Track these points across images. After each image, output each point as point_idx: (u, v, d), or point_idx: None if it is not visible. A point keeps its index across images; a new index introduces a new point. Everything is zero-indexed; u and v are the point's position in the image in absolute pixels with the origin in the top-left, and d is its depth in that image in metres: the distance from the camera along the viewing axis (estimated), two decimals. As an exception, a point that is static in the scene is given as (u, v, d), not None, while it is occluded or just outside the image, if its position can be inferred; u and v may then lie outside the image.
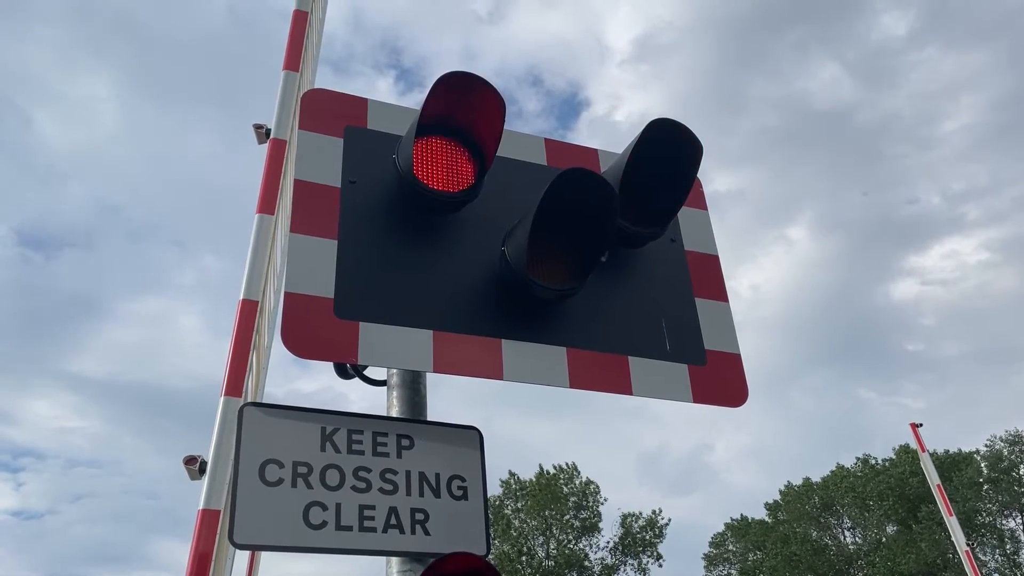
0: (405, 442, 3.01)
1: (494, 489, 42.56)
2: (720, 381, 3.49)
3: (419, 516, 2.90)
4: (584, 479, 42.13)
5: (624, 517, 42.47)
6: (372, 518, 2.81)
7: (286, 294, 2.80)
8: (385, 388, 3.24)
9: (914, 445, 38.42)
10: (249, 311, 4.29)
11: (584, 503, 41.67)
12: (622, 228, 3.35)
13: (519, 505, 41.93)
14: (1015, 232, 63.02)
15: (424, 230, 3.16)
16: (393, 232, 3.10)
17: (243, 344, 4.18)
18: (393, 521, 2.84)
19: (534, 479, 42.00)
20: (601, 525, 41.55)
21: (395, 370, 3.19)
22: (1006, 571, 35.10)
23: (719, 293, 3.74)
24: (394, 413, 3.14)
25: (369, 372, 3.37)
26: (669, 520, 42.73)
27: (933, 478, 14.96)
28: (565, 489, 41.89)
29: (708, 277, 3.75)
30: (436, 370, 2.96)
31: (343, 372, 3.29)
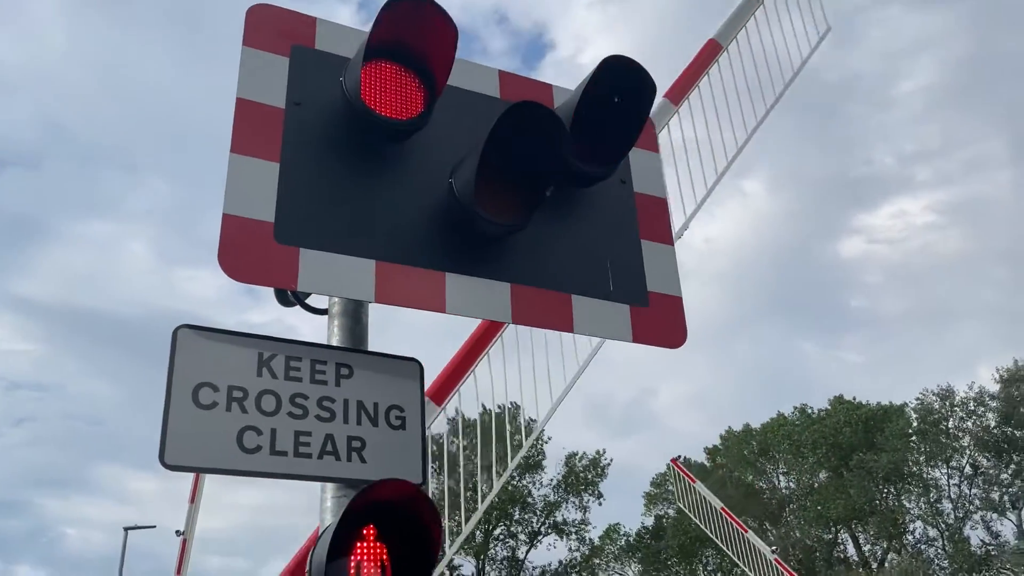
0: (344, 371, 3.00)
1: (440, 426, 43.01)
2: (660, 322, 3.53)
3: (356, 444, 2.91)
4: (528, 418, 42.81)
5: (568, 456, 43.41)
6: (308, 444, 2.81)
7: (224, 216, 2.74)
8: (326, 317, 3.21)
9: (848, 396, 39.49)
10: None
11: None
12: (572, 166, 3.33)
13: (464, 443, 42.49)
14: (961, 195, 64.53)
15: (370, 158, 3.10)
16: (338, 158, 3.04)
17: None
18: (329, 448, 2.85)
19: (478, 418, 42.54)
20: (545, 463, 42.43)
21: (336, 299, 3.16)
22: (928, 517, 36.81)
23: (665, 236, 3.76)
24: (335, 342, 3.12)
25: (311, 300, 3.34)
26: (611, 460, 43.84)
27: (715, 503, 15.66)
28: (509, 428, 42.52)
29: (655, 220, 3.76)
30: (378, 300, 2.94)
31: (284, 299, 3.25)
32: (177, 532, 10.86)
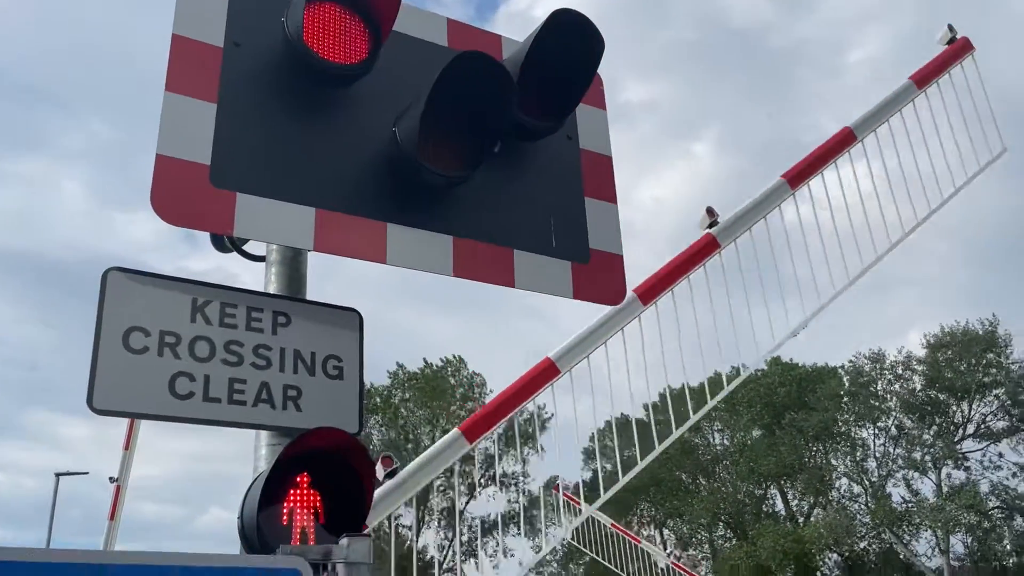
0: (281, 319, 2.96)
1: (382, 379, 43.07)
2: (601, 280, 3.56)
3: (291, 393, 2.89)
4: (470, 372, 43.10)
5: (510, 410, 43.87)
6: (242, 392, 2.78)
7: (158, 156, 2.66)
8: (264, 264, 3.16)
9: (785, 358, 40.49)
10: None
11: (470, 395, 42.74)
12: (518, 119, 3.31)
13: (407, 395, 42.66)
14: (904, 166, 65.96)
15: (312, 102, 3.03)
16: (278, 101, 2.96)
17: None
18: (264, 396, 2.83)
19: (421, 371, 42.68)
20: (487, 417, 42.87)
21: (275, 246, 3.11)
22: (853, 475, 38.33)
23: (609, 194, 3.78)
24: (272, 290, 3.08)
25: (248, 247, 3.28)
26: (552, 415, 44.48)
27: (605, 520, 15.70)
28: (452, 381, 42.78)
29: (600, 177, 3.77)
30: (317, 248, 2.90)
31: (220, 245, 3.19)
32: (111, 479, 10.72)
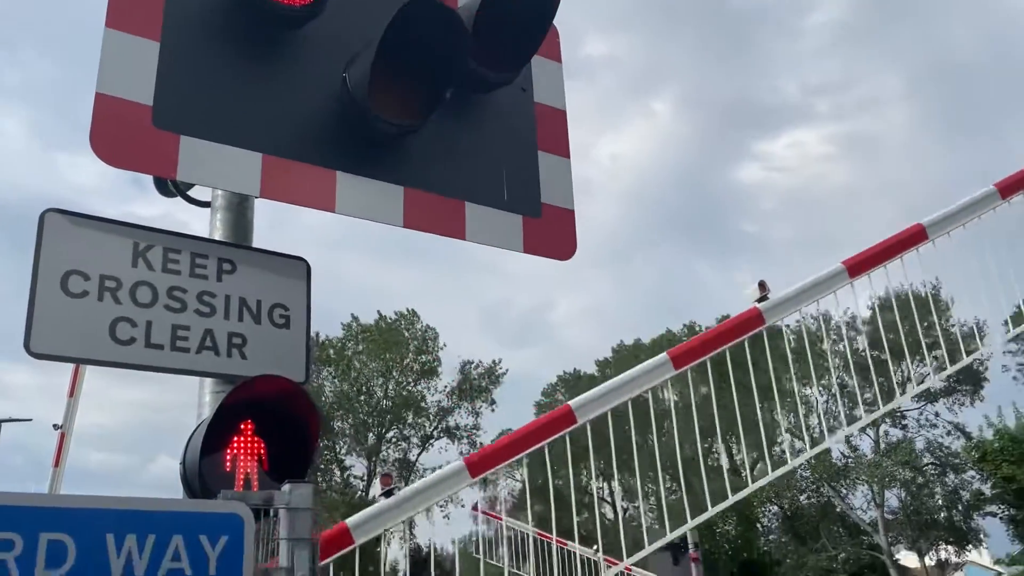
0: (227, 266, 2.92)
1: (336, 331, 42.87)
2: (552, 234, 3.58)
3: (236, 340, 2.87)
4: (424, 325, 43.11)
5: (464, 364, 44.12)
6: (186, 338, 2.75)
7: (97, 95, 2.57)
8: (209, 210, 3.11)
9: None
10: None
11: (424, 348, 42.81)
12: (472, 69, 3.27)
13: (360, 348, 42.55)
14: (854, 130, 66.92)
15: (260, 44, 2.95)
16: (225, 42, 2.88)
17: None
18: (208, 343, 2.80)
19: (375, 323, 42.55)
20: (440, 370, 43.04)
21: (220, 192, 3.05)
22: (796, 431, 39.49)
23: (562, 148, 3.77)
24: (217, 236, 3.03)
25: (193, 192, 3.21)
26: (507, 370, 44.83)
27: (529, 530, 14.40)
28: (406, 334, 42.75)
29: (554, 131, 3.76)
30: (263, 195, 2.85)
31: (164, 189, 3.12)
32: (55, 426, 10.54)
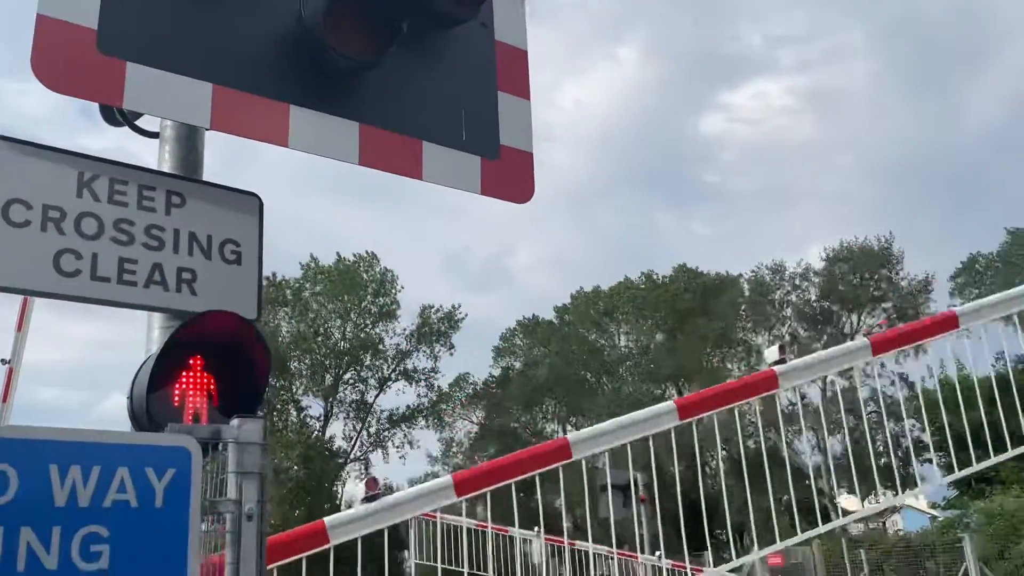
0: (176, 199, 2.86)
1: (293, 271, 42.46)
2: (510, 177, 3.55)
3: (186, 275, 2.82)
4: (383, 268, 42.92)
5: (423, 308, 44.15)
6: (133, 272, 2.70)
7: (38, 16, 2.46)
8: (157, 141, 3.02)
9: (691, 265, 41.63)
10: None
11: (383, 291, 42.68)
12: (431, 3, 3.20)
13: (317, 288, 42.26)
14: (818, 82, 67.17)
15: (210, -31, 2.84)
16: (174, -35, 2.76)
17: None
18: (157, 277, 2.75)
19: (334, 264, 42.22)
20: (399, 313, 43.03)
21: (169, 122, 2.97)
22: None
23: (523, 89, 3.73)
24: (166, 168, 2.96)
25: (141, 122, 3.12)
26: (466, 315, 44.96)
27: (468, 523, 13.80)
28: (365, 276, 42.52)
29: (514, 72, 3.70)
30: (214, 127, 2.79)
31: (110, 117, 3.02)
32: (2, 360, 10.35)
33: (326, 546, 4.75)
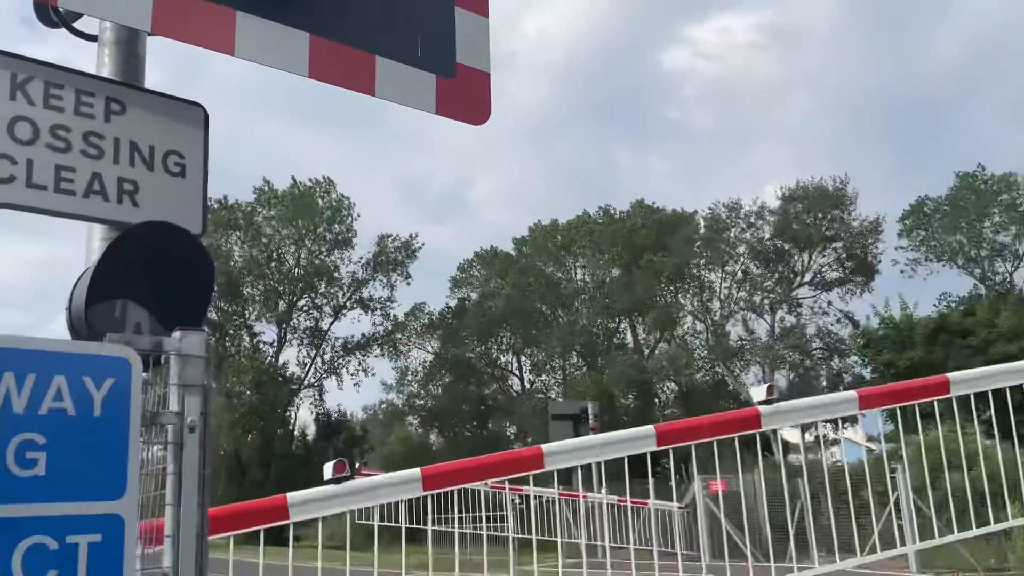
0: (115, 107, 2.75)
1: (246, 195, 41.65)
2: (466, 96, 3.49)
3: (127, 187, 2.74)
4: (340, 195, 42.30)
5: (380, 237, 43.79)
6: (71, 180, 2.61)
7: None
8: (96, 44, 2.89)
9: (649, 201, 41.79)
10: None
11: (339, 218, 42.15)
12: (387, -90, 3.07)
13: (272, 213, 41.57)
14: (781, 18, 66.75)
15: None
16: None
17: None
18: (96, 187, 2.66)
19: (288, 189, 41.47)
20: (355, 241, 42.64)
21: (108, 24, 2.83)
22: (698, 314, 41.20)
23: (481, 6, 3.63)
24: (105, 73, 2.83)
25: (80, 25, 2.97)
26: (423, 244, 44.74)
27: (416, 472, 13.51)
28: (320, 202, 41.89)
29: (473, -13, 3.60)
30: (155, 31, 2.67)
31: (45, 17, 2.87)
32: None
33: (285, 522, 4.76)
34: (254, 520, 4.76)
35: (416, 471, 5.02)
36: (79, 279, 2.42)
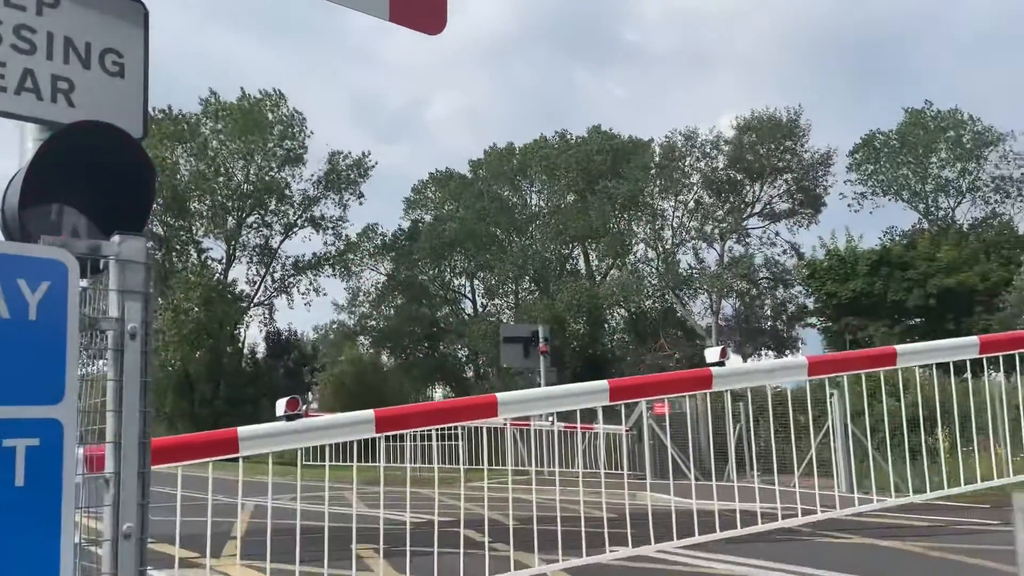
0: (48, -1, 2.59)
1: (192, 107, 40.24)
2: (421, 4, 3.37)
3: (62, 85, 2.60)
4: (292, 109, 41.11)
5: (332, 154, 42.89)
6: (1, 76, 2.46)
7: None
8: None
9: (606, 127, 41.57)
10: None
11: (290, 133, 41.06)
12: None
13: (219, 126, 40.28)
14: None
15: None
16: None
17: None
18: (29, 84, 2.52)
19: (237, 101, 40.10)
20: (306, 157, 41.70)
21: (37, -92, 2.64)
22: (651, 242, 41.56)
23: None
24: (35, -38, 2.65)
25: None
26: (376, 163, 43.99)
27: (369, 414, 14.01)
28: (270, 116, 40.67)
29: None
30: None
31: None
32: None
33: (235, 455, 4.75)
34: (204, 452, 4.76)
35: (370, 412, 5.04)
36: (12, 180, 2.31)
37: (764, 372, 6.66)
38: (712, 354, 5.86)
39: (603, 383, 5.82)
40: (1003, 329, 28.07)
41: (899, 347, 6.51)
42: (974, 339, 6.66)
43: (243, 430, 4.71)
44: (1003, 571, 6.08)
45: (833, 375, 6.90)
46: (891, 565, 6.10)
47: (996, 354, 6.57)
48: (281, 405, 4.83)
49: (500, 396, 5.38)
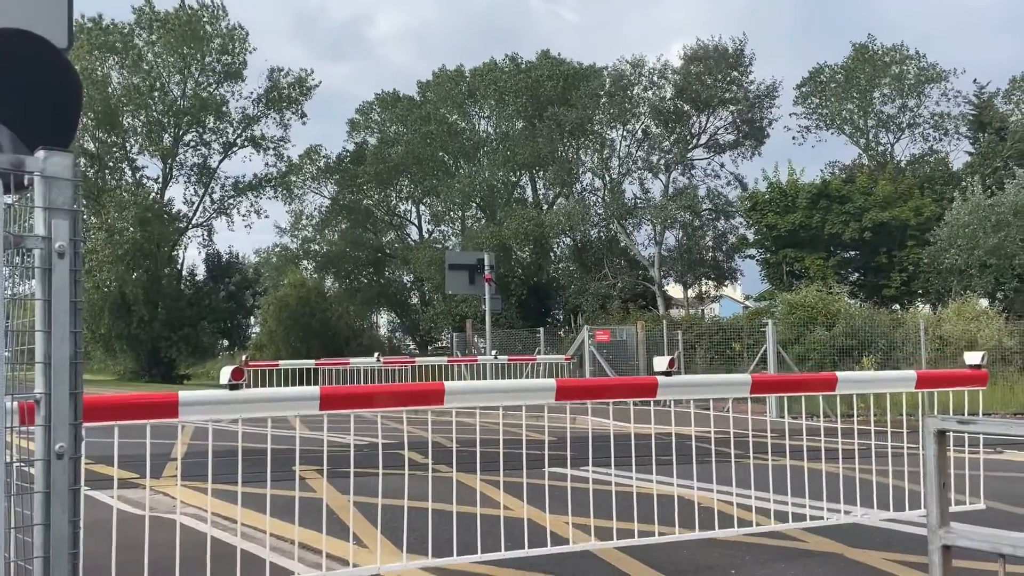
0: None
1: (125, 16, 38.30)
2: None
3: (-22, -13, 2.45)
4: (233, 23, 39.44)
5: (272, 71, 41.47)
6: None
7: None
8: None
9: (555, 52, 40.67)
10: None
11: (229, 48, 39.47)
12: None
13: (154, 38, 38.47)
14: None
15: None
16: None
17: None
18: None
19: (174, 12, 38.28)
20: (246, 74, 40.23)
21: None
22: (598, 171, 41.53)
23: None
24: None
25: None
26: (320, 82, 42.69)
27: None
28: (209, 29, 38.98)
29: None
30: None
31: None
32: None
33: (174, 420, 4.69)
34: (142, 413, 4.70)
35: (315, 389, 5.07)
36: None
37: (707, 385, 6.95)
38: (661, 363, 6.10)
39: (551, 381, 6.11)
40: (932, 262, 29.15)
41: (839, 375, 6.79)
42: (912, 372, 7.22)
43: (184, 395, 4.68)
44: (914, 491, 6.47)
45: (775, 393, 7.07)
46: (815, 483, 6.42)
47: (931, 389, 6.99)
48: (226, 373, 4.81)
49: (448, 385, 5.50)
